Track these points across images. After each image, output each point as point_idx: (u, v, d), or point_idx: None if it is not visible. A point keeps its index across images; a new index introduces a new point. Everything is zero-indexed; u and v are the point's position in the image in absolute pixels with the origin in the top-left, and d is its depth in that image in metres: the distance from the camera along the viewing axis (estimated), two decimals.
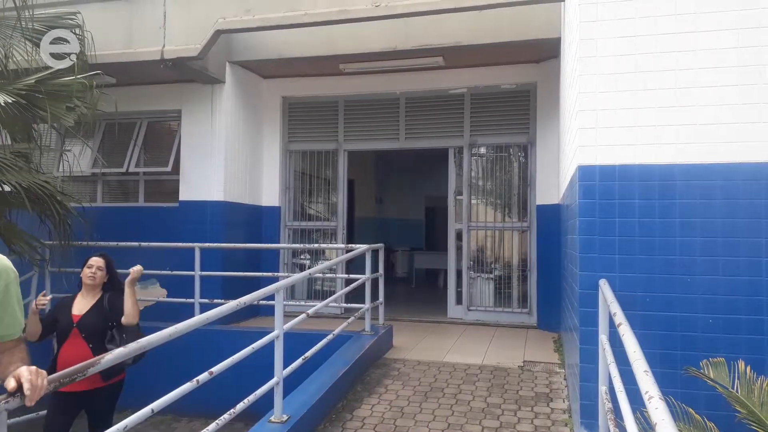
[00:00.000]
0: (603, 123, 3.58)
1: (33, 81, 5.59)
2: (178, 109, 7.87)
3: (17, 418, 4.75)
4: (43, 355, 5.57)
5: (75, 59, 5.83)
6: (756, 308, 3.34)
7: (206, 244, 6.97)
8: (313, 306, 5.12)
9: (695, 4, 3.49)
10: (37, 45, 5.96)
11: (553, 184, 6.98)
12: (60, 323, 3.95)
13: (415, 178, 13.31)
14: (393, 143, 8.34)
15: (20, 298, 1.88)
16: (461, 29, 6.73)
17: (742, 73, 3.40)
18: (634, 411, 2.35)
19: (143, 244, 7.01)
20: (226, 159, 7.61)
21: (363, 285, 6.18)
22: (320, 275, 8.24)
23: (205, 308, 6.32)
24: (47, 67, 5.84)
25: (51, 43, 5.83)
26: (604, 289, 3.28)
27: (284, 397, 4.01)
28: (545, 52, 6.95)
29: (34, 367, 1.76)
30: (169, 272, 7.07)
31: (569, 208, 4.57)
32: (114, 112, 6.48)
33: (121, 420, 2.37)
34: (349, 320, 5.78)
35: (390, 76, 7.89)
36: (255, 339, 3.73)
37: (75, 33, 6.12)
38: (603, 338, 3.20)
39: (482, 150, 8.05)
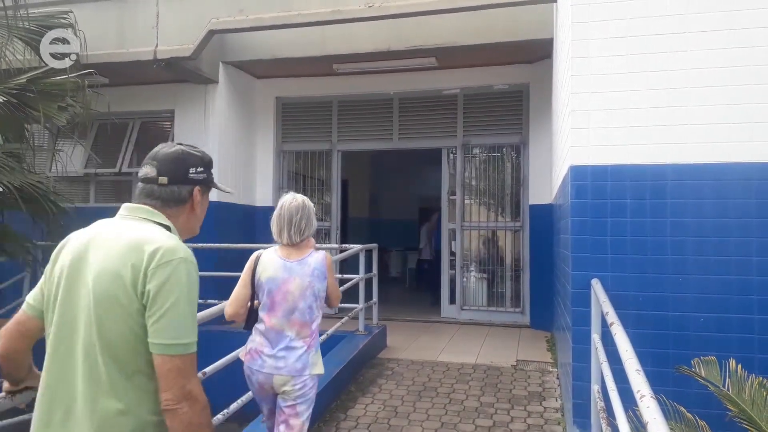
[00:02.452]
0: (595, 123, 3.60)
1: (24, 80, 5.56)
2: (171, 109, 7.85)
3: (9, 420, 4.71)
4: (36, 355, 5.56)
5: (70, 60, 5.81)
6: (746, 307, 3.37)
7: (199, 244, 6.94)
8: None
9: (685, 5, 3.51)
10: (29, 44, 5.93)
11: (546, 184, 7.00)
12: None
13: (409, 178, 13.31)
14: (387, 143, 8.35)
15: None
16: (454, 30, 6.75)
17: (732, 74, 3.43)
18: (626, 410, 2.36)
19: None
20: (220, 159, 7.59)
21: (357, 285, 6.19)
22: None
23: (198, 309, 6.30)
24: (39, 67, 5.81)
25: (50, 43, 5.79)
26: (597, 288, 3.30)
27: None
28: (538, 52, 6.98)
29: None
30: None
31: (562, 208, 4.59)
32: (107, 112, 6.45)
33: None
34: (343, 320, 5.78)
35: (383, 76, 7.90)
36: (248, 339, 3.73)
37: (68, 31, 6.09)
38: (595, 337, 3.22)
39: (475, 150, 8.07)
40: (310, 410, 2.85)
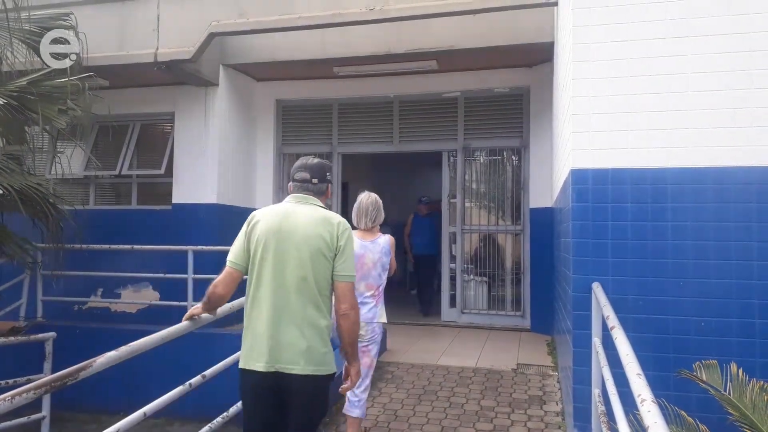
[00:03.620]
0: (596, 127, 3.60)
1: (25, 82, 5.56)
2: (172, 111, 7.84)
3: (9, 422, 4.71)
4: (36, 357, 5.54)
5: (71, 60, 5.81)
6: (747, 311, 3.36)
7: (199, 247, 6.94)
8: None
9: (686, 10, 3.52)
10: (30, 46, 5.93)
11: (547, 187, 7.00)
12: None
13: (409, 180, 13.31)
14: (387, 146, 8.34)
15: None
16: (455, 33, 6.74)
17: (734, 78, 3.43)
18: (626, 414, 2.36)
19: (136, 246, 6.98)
20: (220, 161, 7.59)
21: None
22: None
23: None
24: (41, 69, 5.81)
25: (50, 43, 5.79)
26: (597, 292, 3.30)
27: None
28: (538, 56, 6.98)
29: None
30: (162, 275, 7.04)
31: (562, 212, 4.59)
32: (107, 114, 6.45)
33: (114, 424, 2.35)
34: None
35: (384, 79, 7.90)
36: None
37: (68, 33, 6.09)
38: (596, 341, 3.21)
39: (476, 153, 8.07)
40: (378, 349, 4.01)
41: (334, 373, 2.64)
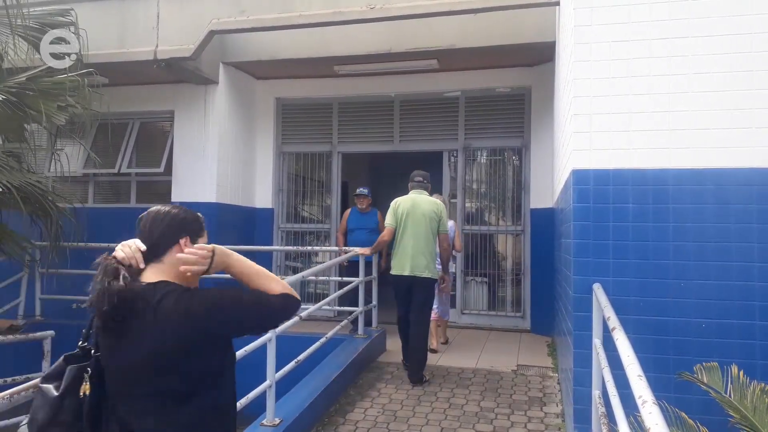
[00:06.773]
0: (597, 127, 3.58)
1: (24, 79, 5.54)
2: (171, 109, 7.83)
3: (7, 421, 4.68)
4: (34, 356, 5.52)
5: (71, 60, 5.78)
6: (748, 313, 3.35)
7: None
8: (306, 309, 5.10)
9: (688, 10, 3.50)
10: (31, 42, 5.91)
11: (548, 187, 6.99)
12: None
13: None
14: (387, 146, 8.33)
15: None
16: (456, 32, 6.74)
17: (734, 79, 3.41)
18: (627, 415, 2.35)
19: None
20: (219, 160, 7.58)
21: (356, 288, 6.16)
22: (313, 278, 8.21)
23: None
24: (41, 65, 5.78)
25: (50, 42, 5.76)
26: (598, 293, 3.28)
27: (276, 400, 3.99)
28: (540, 55, 6.97)
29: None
30: None
31: (563, 212, 4.57)
32: (106, 112, 6.42)
33: None
34: (342, 323, 5.76)
35: (384, 78, 7.89)
36: (247, 342, 3.71)
37: (69, 31, 6.07)
38: (597, 342, 3.20)
39: (477, 153, 8.05)
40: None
41: (438, 279, 5.50)
